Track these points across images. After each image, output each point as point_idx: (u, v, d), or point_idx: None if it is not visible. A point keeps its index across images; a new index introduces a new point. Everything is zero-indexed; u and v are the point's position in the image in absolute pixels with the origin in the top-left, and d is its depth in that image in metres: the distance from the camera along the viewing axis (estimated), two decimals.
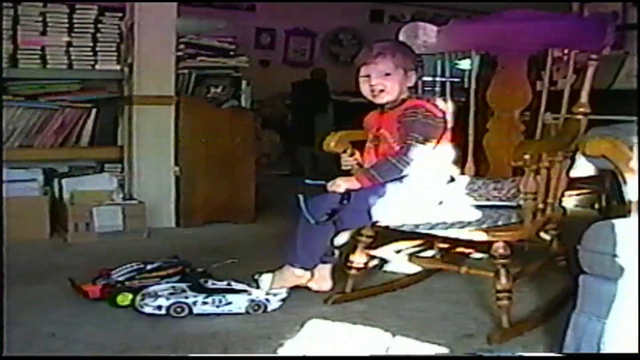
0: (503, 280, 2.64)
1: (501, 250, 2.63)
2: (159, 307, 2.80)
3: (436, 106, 2.90)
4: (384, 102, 2.95)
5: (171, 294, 2.86)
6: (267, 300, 2.90)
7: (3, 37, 4.28)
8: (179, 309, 2.80)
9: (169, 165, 4.68)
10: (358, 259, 3.07)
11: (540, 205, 2.72)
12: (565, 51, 3.16)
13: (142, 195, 4.55)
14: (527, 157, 2.51)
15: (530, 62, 3.22)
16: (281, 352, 2.49)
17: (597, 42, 2.88)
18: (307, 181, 2.95)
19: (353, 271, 3.07)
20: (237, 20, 6.19)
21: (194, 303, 2.82)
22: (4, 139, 4.44)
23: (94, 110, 4.66)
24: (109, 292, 2.94)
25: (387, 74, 2.90)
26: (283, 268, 2.96)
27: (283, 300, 2.93)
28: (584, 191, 5.40)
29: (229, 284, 3.00)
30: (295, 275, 2.95)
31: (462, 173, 3.15)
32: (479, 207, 2.84)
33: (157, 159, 4.66)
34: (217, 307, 2.84)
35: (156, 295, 2.84)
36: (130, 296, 2.90)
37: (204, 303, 2.83)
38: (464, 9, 9.75)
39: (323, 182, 2.88)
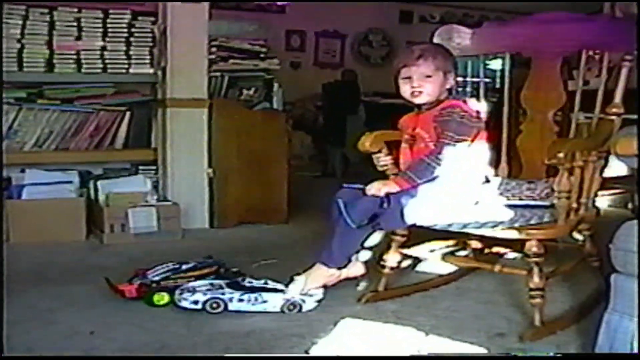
0: (536, 278, 2.64)
1: (535, 249, 2.63)
2: (196, 302, 2.85)
3: (472, 107, 2.91)
4: (423, 102, 2.97)
5: (208, 289, 2.92)
6: (303, 300, 2.92)
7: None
8: (214, 305, 2.85)
9: (202, 167, 4.73)
10: (391, 258, 3.09)
11: (574, 205, 2.72)
12: (598, 51, 3.16)
13: (176, 196, 4.61)
14: (561, 155, 2.52)
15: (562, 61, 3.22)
16: (315, 350, 2.52)
17: (630, 42, 2.87)
18: (345, 185, 2.97)
19: (386, 270, 3.09)
20: (267, 23, 6.23)
21: (230, 299, 2.87)
22: (40, 142, 4.52)
23: (128, 113, 4.73)
24: (145, 291, 2.99)
25: (428, 76, 2.92)
26: (314, 267, 2.99)
27: (319, 301, 2.96)
28: (618, 191, 5.37)
29: (265, 283, 3.04)
30: (329, 274, 2.98)
31: (496, 174, 3.16)
32: (512, 206, 2.84)
33: (190, 160, 4.70)
34: (253, 305, 2.88)
35: (194, 291, 2.90)
36: (167, 296, 2.95)
37: (240, 300, 2.88)
38: (493, 9, 9.71)
39: (361, 185, 2.90)
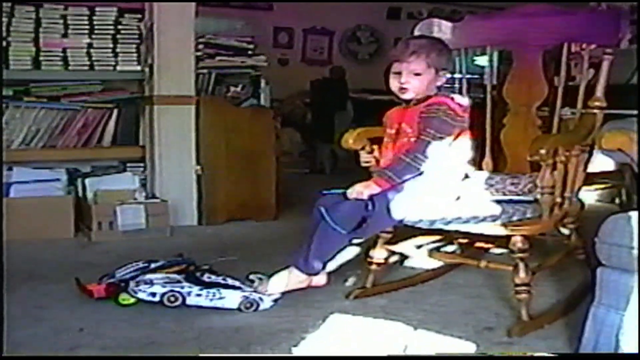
0: (522, 274, 2.66)
1: (520, 245, 2.64)
2: (153, 294, 2.82)
3: (460, 105, 2.87)
4: (409, 98, 2.93)
5: (166, 282, 2.88)
6: (260, 299, 2.90)
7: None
8: (172, 298, 2.82)
9: (190, 164, 4.73)
10: (378, 254, 3.09)
11: (558, 199, 2.73)
12: (583, 46, 3.17)
13: (165, 194, 4.61)
14: (542, 151, 2.52)
15: (547, 57, 3.23)
16: (303, 346, 2.53)
17: (611, 36, 2.88)
18: (325, 192, 2.94)
19: (373, 266, 3.10)
20: (255, 20, 6.22)
21: (188, 293, 2.85)
22: (27, 140, 4.51)
23: (115, 111, 4.72)
24: (113, 291, 2.95)
25: (418, 74, 2.87)
26: (288, 271, 2.95)
27: (275, 300, 2.94)
28: (605, 185, 5.40)
29: (224, 279, 3.01)
30: (300, 280, 2.94)
31: (480, 168, 3.16)
32: (495, 202, 2.85)
33: (178, 158, 4.70)
34: (211, 300, 2.86)
35: (151, 283, 2.86)
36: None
37: (198, 295, 2.85)
38: (481, 5, 9.72)
39: (341, 190, 2.87)
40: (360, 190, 2.80)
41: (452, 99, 2.90)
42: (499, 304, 2.99)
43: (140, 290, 2.84)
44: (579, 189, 2.90)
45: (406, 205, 2.75)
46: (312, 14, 10.53)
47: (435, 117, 2.80)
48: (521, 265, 2.66)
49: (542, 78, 3.14)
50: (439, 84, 2.93)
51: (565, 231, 3.09)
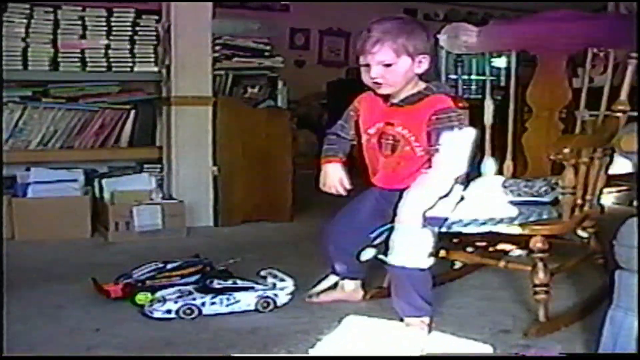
0: (541, 274, 2.64)
1: (540, 245, 2.62)
2: (169, 311, 2.77)
3: (455, 99, 2.66)
4: (387, 93, 2.64)
5: (179, 297, 2.84)
6: (276, 295, 2.89)
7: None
8: (188, 311, 2.78)
9: (207, 165, 4.74)
10: None
11: (579, 201, 2.71)
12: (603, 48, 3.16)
13: (181, 194, 4.62)
14: (566, 150, 2.50)
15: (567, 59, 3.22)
16: (319, 347, 2.52)
17: (635, 40, 2.86)
18: (371, 235, 2.67)
19: None
20: (271, 21, 6.23)
21: (203, 304, 2.81)
22: (45, 140, 4.54)
23: (132, 112, 4.75)
24: (130, 291, 2.95)
25: (388, 65, 2.54)
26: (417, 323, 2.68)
27: (292, 293, 2.94)
28: (623, 188, 5.37)
29: (235, 282, 2.97)
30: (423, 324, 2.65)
31: (500, 172, 3.15)
32: (511, 203, 2.83)
33: (195, 158, 4.71)
34: (227, 306, 2.83)
35: (164, 300, 2.81)
36: (150, 295, 2.89)
37: (212, 303, 2.82)
38: (497, 7, 9.71)
39: (386, 225, 2.64)
40: (416, 217, 2.53)
41: (448, 94, 2.65)
42: (516, 306, 2.98)
43: (155, 310, 2.79)
44: (600, 192, 2.87)
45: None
46: (329, 15, 10.53)
47: (455, 128, 2.54)
48: (540, 266, 2.64)
49: (566, 83, 3.12)
50: (419, 71, 2.60)
51: (583, 234, 3.07)
